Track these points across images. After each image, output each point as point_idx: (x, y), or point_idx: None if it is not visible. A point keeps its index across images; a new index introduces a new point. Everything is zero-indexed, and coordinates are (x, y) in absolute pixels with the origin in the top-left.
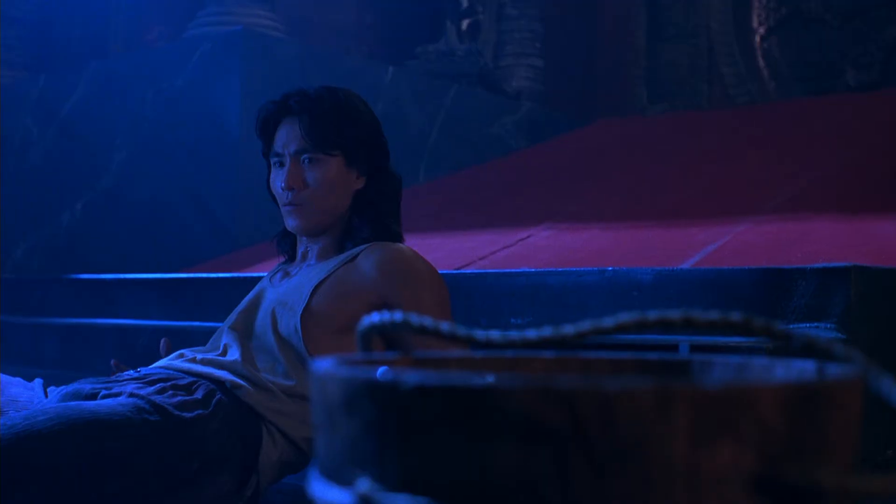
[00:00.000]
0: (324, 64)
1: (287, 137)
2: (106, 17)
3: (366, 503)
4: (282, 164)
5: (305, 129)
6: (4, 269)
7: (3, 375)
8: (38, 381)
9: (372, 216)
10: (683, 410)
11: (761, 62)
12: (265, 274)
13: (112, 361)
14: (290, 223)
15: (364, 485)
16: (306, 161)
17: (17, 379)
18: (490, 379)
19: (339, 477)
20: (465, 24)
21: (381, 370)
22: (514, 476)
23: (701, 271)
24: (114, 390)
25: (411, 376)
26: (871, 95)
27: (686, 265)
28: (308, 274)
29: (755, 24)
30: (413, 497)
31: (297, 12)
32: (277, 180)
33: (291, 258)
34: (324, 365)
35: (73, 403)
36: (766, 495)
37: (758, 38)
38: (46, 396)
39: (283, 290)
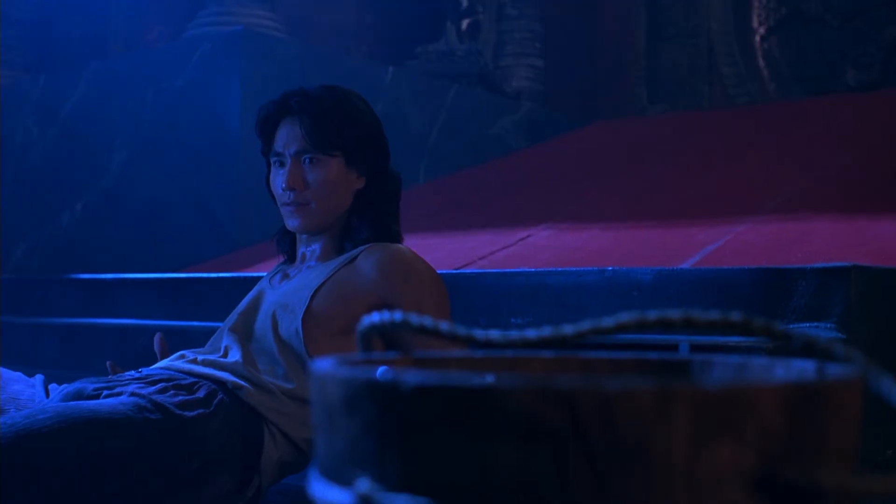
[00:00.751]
0: (324, 64)
1: (287, 138)
2: (106, 17)
3: (366, 503)
4: (282, 164)
5: (306, 130)
6: (4, 269)
7: (4, 370)
8: (38, 378)
9: (372, 216)
10: (683, 410)
11: (761, 62)
12: (265, 274)
13: (108, 363)
14: (291, 223)
15: (364, 485)
16: (307, 161)
17: (18, 374)
18: (490, 379)
19: (339, 477)
20: (465, 24)
21: (381, 370)
22: (514, 476)
23: (701, 271)
24: (116, 390)
25: (411, 376)
26: (871, 95)
27: (686, 265)
28: (308, 276)
29: (755, 24)
30: (413, 497)
31: (297, 12)
32: (278, 180)
33: (291, 258)
34: (324, 365)
35: (73, 403)
36: (765, 495)
37: (758, 39)
38: (47, 394)
39: (284, 292)
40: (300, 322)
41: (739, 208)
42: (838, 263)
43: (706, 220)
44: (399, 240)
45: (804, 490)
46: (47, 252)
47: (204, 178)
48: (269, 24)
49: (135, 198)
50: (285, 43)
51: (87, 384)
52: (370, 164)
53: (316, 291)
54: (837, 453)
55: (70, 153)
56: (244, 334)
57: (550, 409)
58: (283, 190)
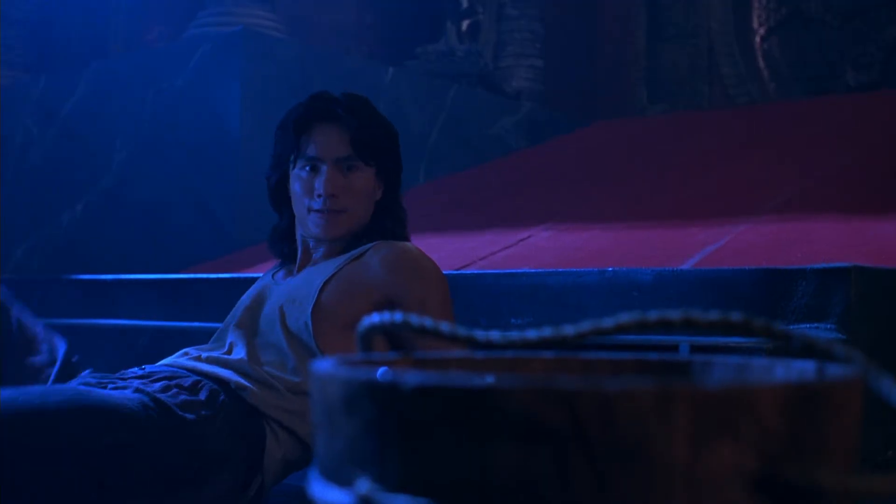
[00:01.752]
0: (324, 64)
1: (328, 142)
2: (106, 17)
3: (366, 503)
4: (315, 170)
5: (354, 137)
6: (4, 269)
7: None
8: (62, 345)
9: (386, 226)
10: (683, 411)
11: (761, 62)
12: (261, 275)
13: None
14: (320, 230)
15: (364, 485)
16: (346, 168)
17: (41, 325)
18: (490, 379)
19: (339, 477)
20: (465, 24)
21: (381, 371)
22: (514, 476)
23: (701, 271)
24: (119, 384)
25: (411, 377)
26: (871, 95)
27: (686, 265)
28: (314, 271)
29: (755, 24)
30: (413, 497)
31: (297, 12)
32: (316, 185)
33: (290, 259)
34: (324, 366)
35: (85, 388)
36: (765, 495)
37: (758, 39)
38: (59, 368)
39: (290, 286)
40: (309, 315)
41: (739, 208)
42: (838, 264)
43: (706, 220)
44: (407, 241)
45: (804, 490)
46: (47, 252)
47: (204, 178)
48: (269, 24)
49: (135, 198)
50: (285, 43)
51: (90, 379)
52: (392, 175)
53: (324, 285)
54: (837, 453)
55: (70, 153)
56: (250, 329)
57: (550, 409)
58: (319, 196)
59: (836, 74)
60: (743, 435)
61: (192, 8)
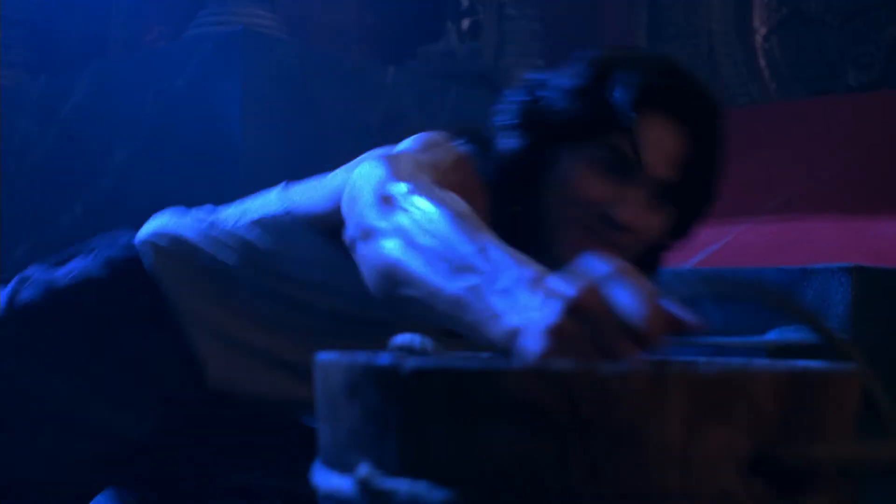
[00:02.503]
0: (324, 64)
1: (661, 149)
2: (106, 17)
3: (365, 487)
4: (624, 175)
5: (692, 159)
6: (4, 268)
7: None
8: None
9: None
10: (678, 394)
11: (762, 63)
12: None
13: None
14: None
15: (364, 469)
16: (647, 199)
17: None
18: (488, 362)
19: (341, 464)
20: (465, 24)
21: (382, 356)
22: (510, 459)
23: (701, 271)
24: None
25: (411, 361)
26: (871, 95)
27: (686, 265)
28: None
29: (756, 24)
30: (412, 481)
31: (297, 12)
32: (612, 197)
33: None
34: (328, 355)
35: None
36: (759, 477)
37: (759, 39)
38: None
39: None
40: None
41: (739, 208)
42: (839, 264)
43: (706, 220)
44: None
45: (798, 472)
46: (47, 252)
47: (204, 179)
48: (269, 24)
49: (135, 198)
50: (285, 43)
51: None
52: (689, 224)
53: None
54: (832, 438)
55: (70, 153)
56: None
57: (547, 391)
58: (610, 218)
59: (836, 74)
60: (737, 418)
61: (192, 8)
